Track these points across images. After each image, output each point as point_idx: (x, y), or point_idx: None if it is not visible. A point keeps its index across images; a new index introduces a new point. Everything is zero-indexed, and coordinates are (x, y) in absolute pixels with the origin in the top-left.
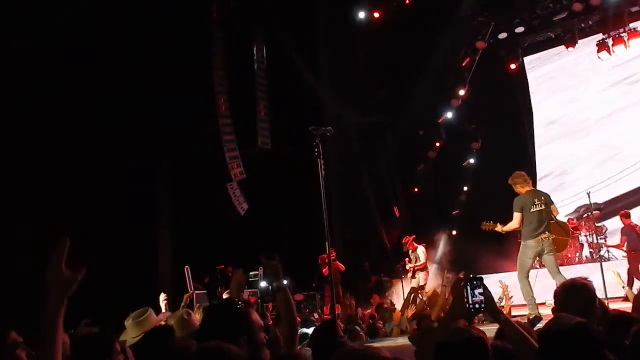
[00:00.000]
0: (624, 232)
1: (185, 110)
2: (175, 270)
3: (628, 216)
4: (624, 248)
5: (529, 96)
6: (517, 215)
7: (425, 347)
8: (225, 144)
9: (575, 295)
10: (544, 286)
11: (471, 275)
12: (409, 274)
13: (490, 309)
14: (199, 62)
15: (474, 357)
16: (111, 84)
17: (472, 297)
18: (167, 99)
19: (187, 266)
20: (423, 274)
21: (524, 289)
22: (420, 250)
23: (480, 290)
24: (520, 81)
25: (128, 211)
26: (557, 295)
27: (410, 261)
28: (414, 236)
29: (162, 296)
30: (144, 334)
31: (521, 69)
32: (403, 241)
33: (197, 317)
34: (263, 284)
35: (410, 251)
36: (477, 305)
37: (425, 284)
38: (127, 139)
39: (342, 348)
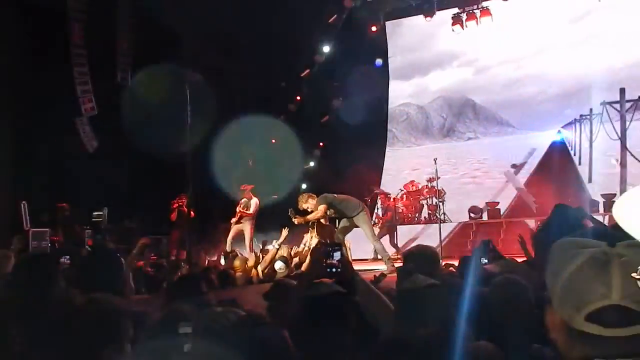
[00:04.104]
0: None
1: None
2: (11, 206)
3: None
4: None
5: (387, 59)
6: (324, 208)
7: (280, 302)
8: (77, 76)
9: (425, 259)
10: None
11: (330, 242)
12: (235, 218)
13: (347, 272)
14: None
15: (339, 309)
16: None
17: (331, 260)
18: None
19: (23, 202)
20: (249, 226)
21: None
22: (254, 201)
23: (338, 255)
24: (380, 42)
25: None
26: (409, 256)
27: (240, 206)
28: (252, 186)
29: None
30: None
31: (382, 32)
32: (242, 188)
33: None
34: None
35: (245, 199)
36: (334, 268)
37: (251, 237)
38: None
39: (208, 310)
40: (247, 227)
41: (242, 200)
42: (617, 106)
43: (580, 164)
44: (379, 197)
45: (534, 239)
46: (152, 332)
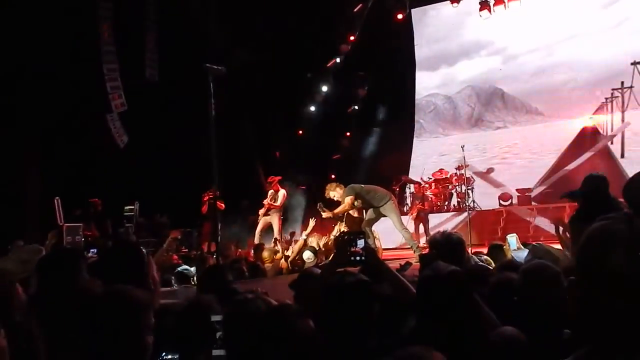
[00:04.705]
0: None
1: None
2: (45, 202)
3: None
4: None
5: (414, 48)
6: (351, 199)
7: (306, 291)
8: (107, 73)
9: (450, 246)
10: None
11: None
12: (262, 210)
13: (372, 260)
14: None
15: (361, 297)
16: None
17: (354, 248)
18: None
19: (57, 198)
20: (277, 218)
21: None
22: (282, 193)
23: (362, 244)
24: (406, 32)
25: None
26: (434, 244)
27: (268, 198)
28: (280, 177)
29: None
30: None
31: (408, 19)
32: (269, 180)
33: None
34: None
35: (272, 191)
36: (357, 257)
37: (280, 228)
38: None
39: (236, 297)
40: (275, 219)
41: (270, 192)
42: None
43: (612, 143)
44: (408, 186)
45: (570, 222)
46: (177, 321)
